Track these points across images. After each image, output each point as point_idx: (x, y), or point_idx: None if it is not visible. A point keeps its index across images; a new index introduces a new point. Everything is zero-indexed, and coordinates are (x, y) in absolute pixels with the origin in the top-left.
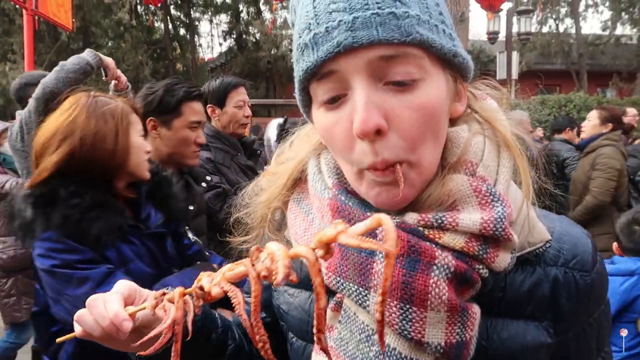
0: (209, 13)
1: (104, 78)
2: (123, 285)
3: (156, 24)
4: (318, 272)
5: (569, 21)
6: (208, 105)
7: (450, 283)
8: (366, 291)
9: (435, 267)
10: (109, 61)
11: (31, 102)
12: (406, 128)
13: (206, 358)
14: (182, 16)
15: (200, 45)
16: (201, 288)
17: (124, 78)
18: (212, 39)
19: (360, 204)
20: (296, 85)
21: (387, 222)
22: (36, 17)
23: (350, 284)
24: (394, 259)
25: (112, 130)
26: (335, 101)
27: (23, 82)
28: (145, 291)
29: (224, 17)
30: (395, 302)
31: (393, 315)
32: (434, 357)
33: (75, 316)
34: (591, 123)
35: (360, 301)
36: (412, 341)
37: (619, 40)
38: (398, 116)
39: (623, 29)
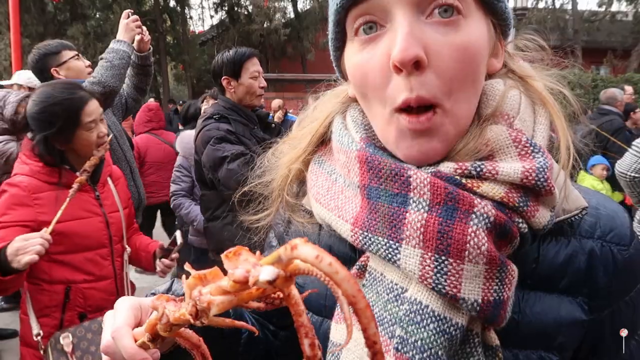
0: None
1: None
2: (126, 309)
3: None
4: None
5: None
6: (223, 77)
7: (490, 234)
8: (397, 244)
9: (474, 216)
10: (137, 39)
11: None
12: (444, 66)
13: (220, 349)
14: None
15: (190, 17)
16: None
17: (147, 37)
18: (202, 11)
19: (390, 155)
20: (331, 18)
21: (308, 253)
22: None
23: (380, 238)
24: (360, 304)
25: None
26: (372, 30)
27: (42, 53)
28: (147, 301)
29: None
30: (430, 254)
31: (427, 268)
32: (468, 317)
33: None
34: None
35: (389, 256)
36: (447, 297)
37: (615, 17)
38: (438, 52)
39: (619, 5)
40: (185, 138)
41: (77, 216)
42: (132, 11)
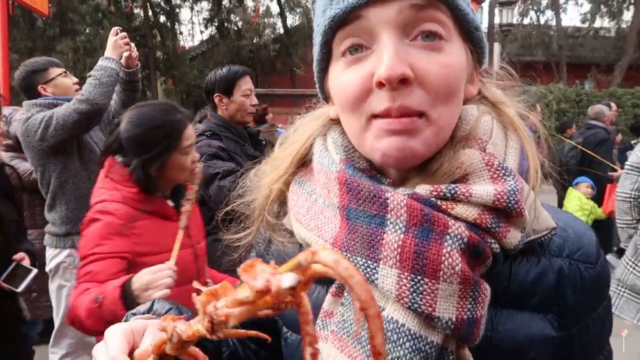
0: (190, 0)
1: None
2: (118, 336)
3: (135, 11)
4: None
5: (549, 13)
6: (215, 95)
7: (463, 254)
8: (375, 264)
9: (448, 237)
10: (125, 55)
11: (73, 113)
12: (431, 82)
13: None
14: (162, 3)
15: (180, 33)
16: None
17: (135, 54)
18: (192, 27)
19: (370, 177)
20: (318, 40)
21: (328, 257)
22: (11, 2)
23: (358, 258)
24: (372, 310)
25: None
26: (357, 52)
27: (29, 70)
28: (139, 324)
29: (205, 5)
30: (406, 274)
31: (404, 287)
32: (443, 335)
33: None
34: None
35: (367, 275)
36: (422, 316)
37: (598, 33)
38: (425, 69)
39: (602, 22)
40: None
41: (171, 249)
42: (121, 28)
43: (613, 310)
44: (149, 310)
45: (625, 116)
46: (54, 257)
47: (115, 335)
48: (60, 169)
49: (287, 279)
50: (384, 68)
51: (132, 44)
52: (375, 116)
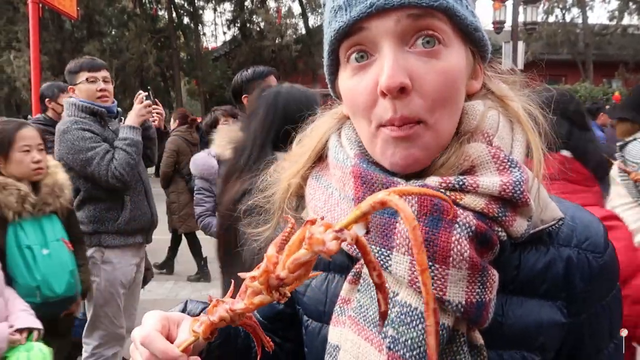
0: (213, 2)
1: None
2: (154, 319)
3: (160, 13)
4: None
5: (575, 11)
6: (243, 96)
7: (471, 242)
8: (388, 251)
9: (457, 225)
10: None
11: (109, 178)
12: (428, 89)
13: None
14: (185, 4)
15: (204, 33)
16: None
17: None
18: (215, 28)
19: (383, 170)
20: (326, 48)
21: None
22: (41, 5)
23: (372, 246)
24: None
25: None
26: (363, 58)
27: (66, 70)
28: (176, 315)
29: (227, 6)
30: None
31: (416, 273)
32: (454, 317)
33: None
34: None
35: (382, 262)
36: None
37: (626, 30)
38: (422, 77)
39: (630, 19)
40: (199, 160)
41: None
42: (146, 94)
43: None
44: (183, 311)
45: None
46: None
47: (152, 317)
48: (90, 184)
49: (359, 228)
50: (384, 78)
51: (160, 106)
52: (382, 125)
